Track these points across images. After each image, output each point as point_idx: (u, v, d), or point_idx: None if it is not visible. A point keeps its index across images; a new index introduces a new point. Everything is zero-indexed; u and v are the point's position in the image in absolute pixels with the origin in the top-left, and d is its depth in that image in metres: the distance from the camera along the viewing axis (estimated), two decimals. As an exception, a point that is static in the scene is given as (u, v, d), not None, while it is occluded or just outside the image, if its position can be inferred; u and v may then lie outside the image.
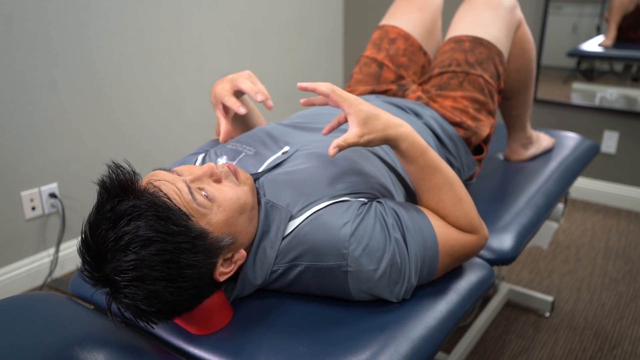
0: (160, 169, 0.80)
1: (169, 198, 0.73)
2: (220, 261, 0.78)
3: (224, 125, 1.04)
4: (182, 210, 0.73)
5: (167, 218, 0.71)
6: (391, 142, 0.91)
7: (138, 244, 0.69)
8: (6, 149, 1.86)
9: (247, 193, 0.83)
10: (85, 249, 0.72)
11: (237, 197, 0.80)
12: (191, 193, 0.76)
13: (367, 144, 0.89)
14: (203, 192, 0.77)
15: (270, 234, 0.85)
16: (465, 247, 0.94)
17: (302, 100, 0.95)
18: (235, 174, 0.84)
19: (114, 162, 0.74)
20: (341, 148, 0.86)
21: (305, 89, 0.90)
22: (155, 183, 0.75)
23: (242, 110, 0.97)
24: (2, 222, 1.90)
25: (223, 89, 1.01)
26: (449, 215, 0.94)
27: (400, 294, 0.87)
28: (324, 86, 0.89)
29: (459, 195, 0.95)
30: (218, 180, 0.81)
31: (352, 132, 0.88)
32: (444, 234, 0.92)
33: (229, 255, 0.80)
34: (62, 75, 1.95)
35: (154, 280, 0.70)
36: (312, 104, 0.94)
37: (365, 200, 0.90)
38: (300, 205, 0.87)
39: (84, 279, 0.73)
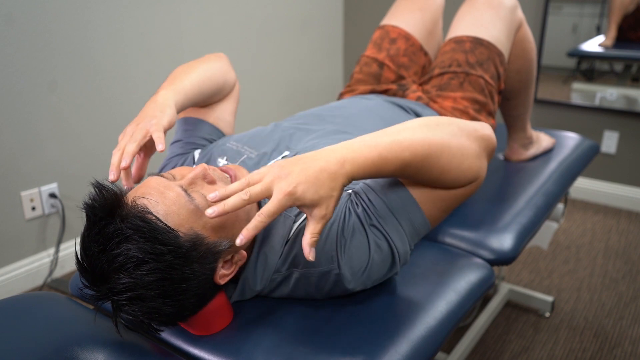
0: (153, 174, 0.79)
1: (153, 215, 0.71)
2: (220, 264, 0.77)
3: (138, 164, 0.91)
4: (168, 228, 0.71)
5: (153, 239, 0.69)
6: (348, 179, 0.74)
7: (131, 265, 0.68)
8: (6, 149, 1.86)
9: None
10: (81, 270, 0.72)
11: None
12: (188, 195, 0.74)
13: (332, 211, 0.73)
14: (200, 193, 0.76)
15: (271, 240, 0.84)
16: (459, 197, 0.87)
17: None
18: (232, 177, 0.83)
19: (97, 182, 0.72)
20: (315, 243, 0.72)
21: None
22: (142, 201, 0.72)
23: (160, 148, 0.86)
24: (2, 222, 1.90)
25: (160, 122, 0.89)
26: (459, 178, 0.83)
27: (397, 267, 0.87)
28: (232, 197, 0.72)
29: (454, 152, 0.81)
30: (212, 182, 0.79)
31: (311, 226, 0.72)
32: (425, 194, 0.85)
33: (229, 257, 0.79)
34: (62, 75, 1.95)
35: (151, 298, 0.70)
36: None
37: (350, 191, 0.90)
38: (297, 210, 0.87)
39: (85, 297, 0.73)
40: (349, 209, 0.86)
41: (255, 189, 0.70)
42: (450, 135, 0.82)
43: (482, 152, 0.86)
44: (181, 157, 1.07)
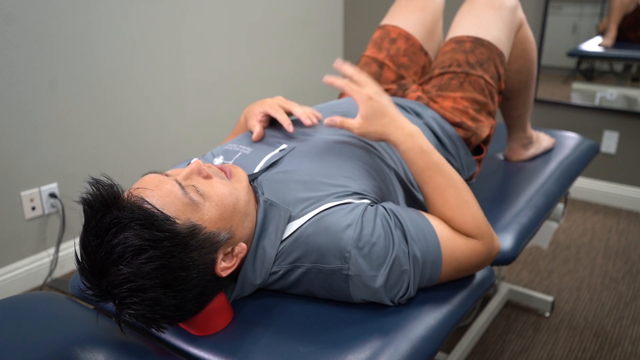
0: (151, 172, 0.80)
1: (150, 204, 0.72)
2: (220, 256, 0.78)
3: (259, 131, 1.05)
4: (165, 215, 0.72)
5: (150, 225, 0.70)
6: (389, 142, 0.97)
7: (129, 254, 0.69)
8: (6, 149, 1.86)
9: (240, 189, 0.83)
10: (80, 267, 0.72)
11: (229, 192, 0.80)
12: (182, 188, 0.76)
13: (363, 136, 0.97)
14: (195, 188, 0.78)
15: (269, 233, 0.85)
16: (471, 257, 0.91)
17: (325, 78, 0.99)
18: (227, 173, 0.84)
19: (93, 178, 0.74)
20: (335, 124, 0.96)
21: (330, 83, 0.99)
22: (137, 191, 0.74)
23: (290, 128, 1.03)
24: (2, 222, 1.90)
25: (274, 104, 1.08)
26: (455, 218, 0.92)
27: (395, 299, 0.86)
28: (339, 81, 0.97)
29: (465, 198, 0.93)
30: (208, 177, 0.81)
31: (354, 121, 0.96)
32: (449, 242, 0.89)
33: (229, 249, 0.79)
34: (62, 75, 1.95)
35: (150, 289, 0.70)
36: (332, 84, 0.99)
37: (369, 202, 0.90)
38: (302, 205, 0.87)
39: (87, 298, 0.73)
40: (383, 218, 0.86)
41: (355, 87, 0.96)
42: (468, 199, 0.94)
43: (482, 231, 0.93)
44: (184, 163, 1.08)
